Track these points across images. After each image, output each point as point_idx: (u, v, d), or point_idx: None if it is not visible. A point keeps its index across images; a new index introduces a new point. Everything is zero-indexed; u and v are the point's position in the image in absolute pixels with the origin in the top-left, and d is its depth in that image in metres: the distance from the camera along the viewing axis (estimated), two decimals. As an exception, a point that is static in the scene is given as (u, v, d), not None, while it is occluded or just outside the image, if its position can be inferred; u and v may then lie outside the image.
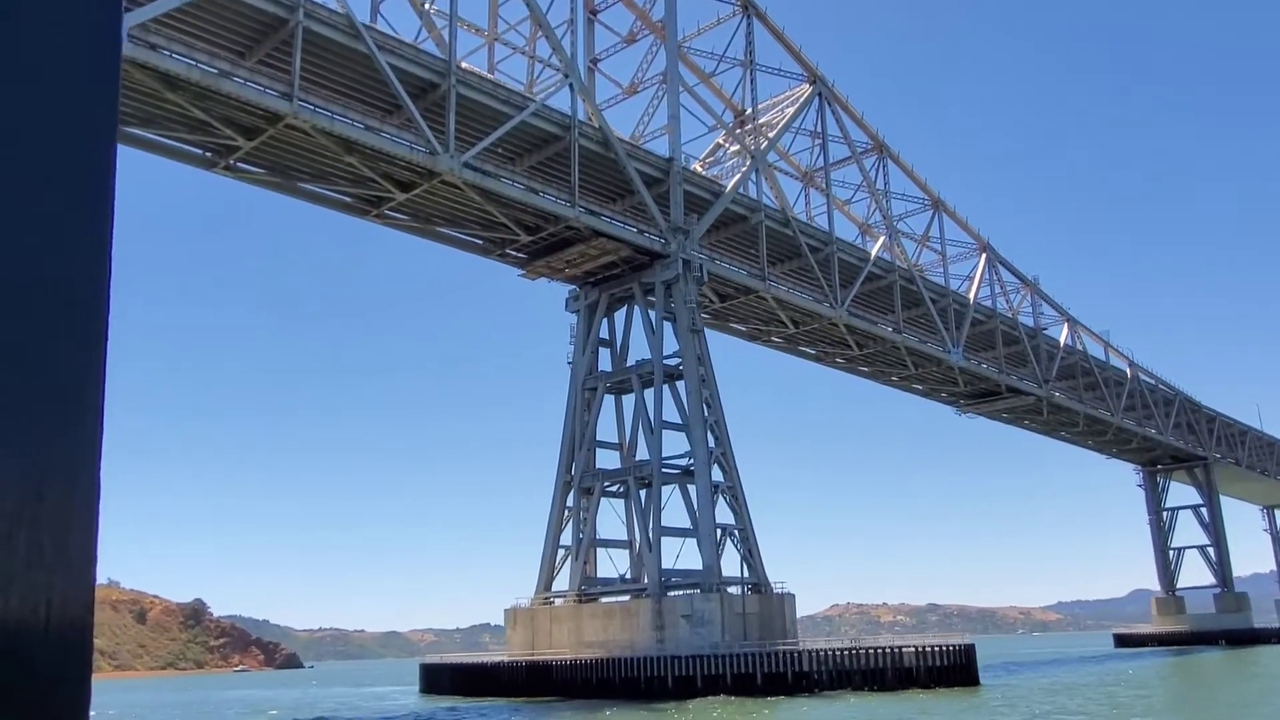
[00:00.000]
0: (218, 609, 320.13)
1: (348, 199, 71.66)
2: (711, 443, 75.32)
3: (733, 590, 72.79)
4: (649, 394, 77.82)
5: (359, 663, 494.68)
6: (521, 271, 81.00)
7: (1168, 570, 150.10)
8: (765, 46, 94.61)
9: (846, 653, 60.66)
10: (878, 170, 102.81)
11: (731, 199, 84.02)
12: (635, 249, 77.37)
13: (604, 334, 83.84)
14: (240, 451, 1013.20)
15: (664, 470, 75.05)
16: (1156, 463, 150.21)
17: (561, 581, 79.29)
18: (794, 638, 72.76)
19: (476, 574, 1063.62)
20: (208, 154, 64.74)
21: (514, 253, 79.44)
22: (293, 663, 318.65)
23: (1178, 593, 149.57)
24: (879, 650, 60.03)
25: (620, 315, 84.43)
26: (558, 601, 78.28)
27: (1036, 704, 49.70)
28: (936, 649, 59.50)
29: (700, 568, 74.33)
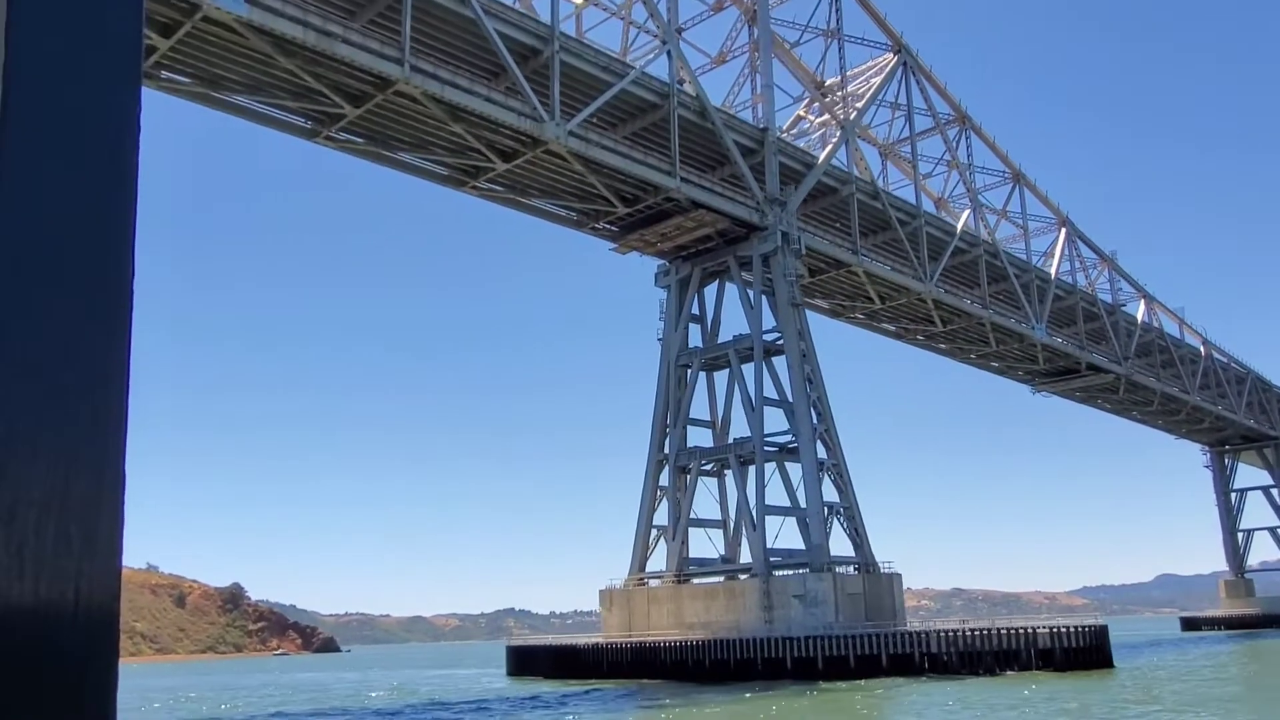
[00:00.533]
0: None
1: (444, 170, 69.87)
2: (814, 419, 73.34)
3: (838, 570, 70.94)
4: (746, 370, 75.86)
5: (389, 646, 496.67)
6: (614, 245, 79.09)
7: (1236, 552, 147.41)
8: (847, 14, 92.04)
9: (978, 634, 58.68)
10: (960, 142, 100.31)
11: (824, 171, 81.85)
12: (734, 221, 75.30)
13: (694, 310, 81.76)
14: (275, 434, 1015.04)
15: (765, 448, 73.16)
16: (1225, 443, 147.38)
17: (652, 562, 77.75)
18: (903, 619, 71.03)
19: (498, 559, 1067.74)
20: (309, 123, 63.05)
21: (606, 226, 77.55)
22: (330, 647, 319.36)
23: (1247, 574, 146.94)
24: (1013, 631, 58.08)
25: (710, 291, 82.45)
26: (653, 582, 76.66)
27: (1212, 685, 47.74)
28: (1071, 630, 57.52)
29: (802, 547, 72.64)
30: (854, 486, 74.00)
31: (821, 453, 73.42)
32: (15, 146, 1.55)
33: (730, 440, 76.22)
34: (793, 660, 61.22)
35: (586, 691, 56.93)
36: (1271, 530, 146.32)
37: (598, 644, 72.46)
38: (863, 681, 56.43)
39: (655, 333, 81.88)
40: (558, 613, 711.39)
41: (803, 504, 72.94)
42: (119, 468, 1.61)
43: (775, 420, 75.80)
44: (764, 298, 76.50)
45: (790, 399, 74.52)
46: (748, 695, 50.17)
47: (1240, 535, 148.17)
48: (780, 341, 75.84)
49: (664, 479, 78.64)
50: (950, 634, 59.22)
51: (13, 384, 1.51)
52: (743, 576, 72.84)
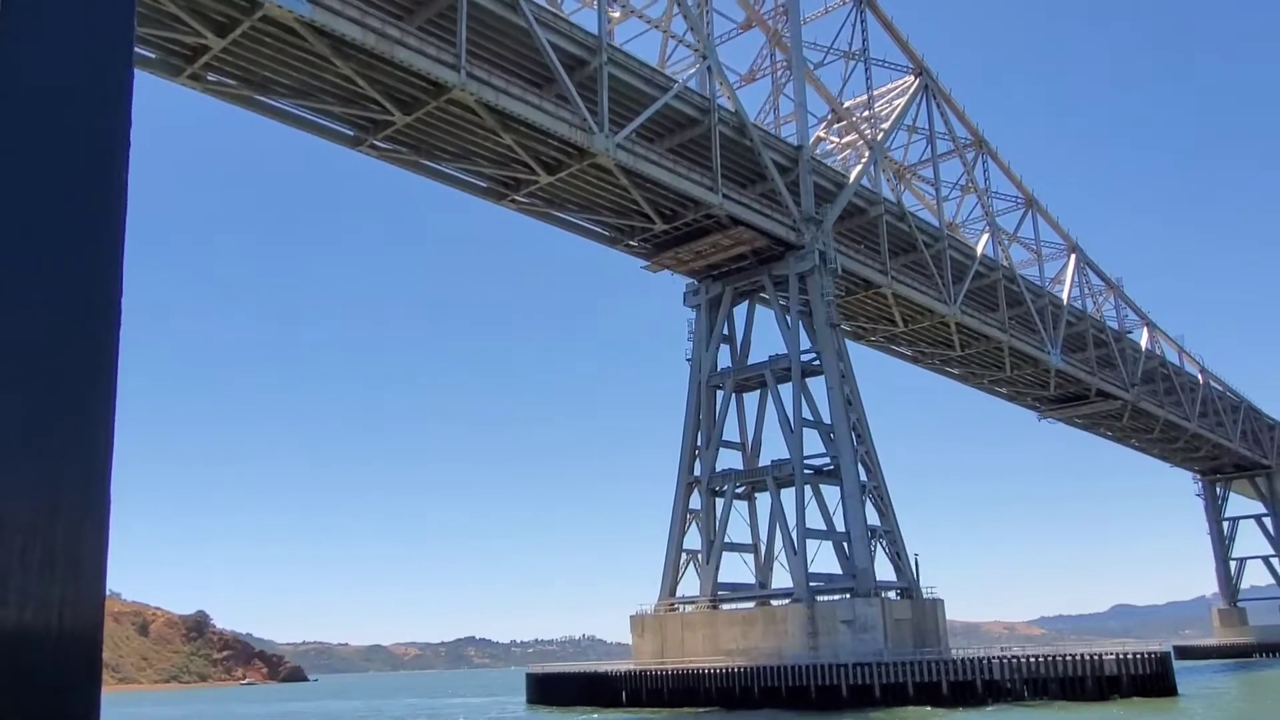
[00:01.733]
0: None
1: (484, 182, 68.25)
2: (853, 441, 72.07)
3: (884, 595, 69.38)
4: (782, 391, 74.51)
5: (352, 676, 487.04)
6: (646, 264, 77.66)
7: (1229, 581, 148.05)
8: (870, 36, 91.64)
9: (1042, 660, 57.48)
10: (977, 166, 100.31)
11: (854, 191, 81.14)
12: (771, 239, 74.22)
13: (724, 330, 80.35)
14: (231, 461, 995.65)
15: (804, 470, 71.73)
16: (1218, 471, 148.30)
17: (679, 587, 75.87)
18: (946, 645, 69.71)
19: (456, 588, 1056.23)
20: (353, 131, 61.13)
21: (639, 243, 76.14)
22: (296, 676, 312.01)
23: (1240, 603, 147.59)
24: (1077, 658, 56.93)
25: (739, 310, 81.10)
26: (687, 608, 74.74)
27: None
28: (1135, 657, 56.51)
29: (839, 571, 71.25)
30: (895, 510, 72.75)
31: (861, 475, 72.13)
32: None
33: (768, 462, 74.51)
34: (848, 688, 59.55)
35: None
36: (1265, 559, 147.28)
37: (634, 671, 70.24)
38: (929, 709, 54.96)
39: (683, 352, 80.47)
40: (519, 641, 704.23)
41: (840, 527, 71.62)
42: (104, 490, 1.58)
43: (809, 443, 74.45)
44: (800, 318, 75.33)
45: (829, 421, 73.30)
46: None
47: (1233, 564, 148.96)
48: (817, 363, 74.69)
49: (694, 502, 77.04)
50: (1015, 660, 57.96)
51: None
52: (778, 602, 71.18)
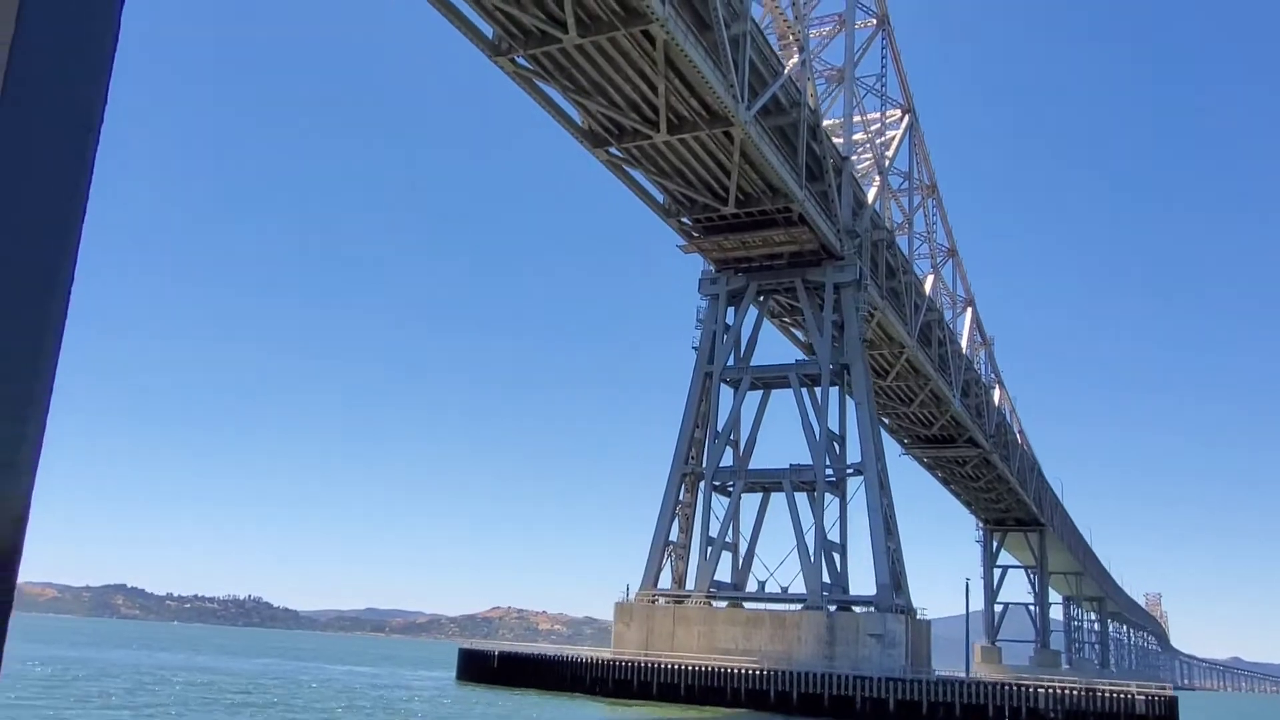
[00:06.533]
0: None
1: (584, 123, 63.03)
2: (875, 459, 72.81)
3: (862, 610, 70.41)
4: (805, 395, 74.04)
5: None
6: (682, 243, 74.71)
7: (993, 622, 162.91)
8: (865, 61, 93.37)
9: (1083, 693, 60.42)
10: (926, 208, 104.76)
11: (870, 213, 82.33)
12: (820, 245, 73.67)
13: (733, 326, 78.79)
14: None
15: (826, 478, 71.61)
16: (1001, 523, 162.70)
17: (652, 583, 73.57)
18: (931, 665, 71.83)
19: (108, 529, 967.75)
20: (498, 38, 54.50)
21: (691, 221, 73.18)
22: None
23: (998, 643, 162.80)
24: (1114, 695, 60.24)
25: (749, 308, 79.74)
26: (663, 602, 72.39)
27: None
28: (1155, 698, 60.60)
29: (826, 579, 71.66)
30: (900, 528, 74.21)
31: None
32: None
33: (786, 465, 73.56)
34: (896, 703, 59.94)
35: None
36: (1025, 606, 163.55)
37: (641, 662, 66.69)
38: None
39: (691, 340, 78.10)
40: (175, 595, 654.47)
41: (833, 538, 72.14)
42: (31, 471, 1.62)
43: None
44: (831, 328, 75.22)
45: (843, 433, 73.72)
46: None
47: (998, 608, 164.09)
48: (841, 372, 74.89)
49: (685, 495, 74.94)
50: (1058, 692, 60.56)
51: None
52: (783, 606, 70.58)
